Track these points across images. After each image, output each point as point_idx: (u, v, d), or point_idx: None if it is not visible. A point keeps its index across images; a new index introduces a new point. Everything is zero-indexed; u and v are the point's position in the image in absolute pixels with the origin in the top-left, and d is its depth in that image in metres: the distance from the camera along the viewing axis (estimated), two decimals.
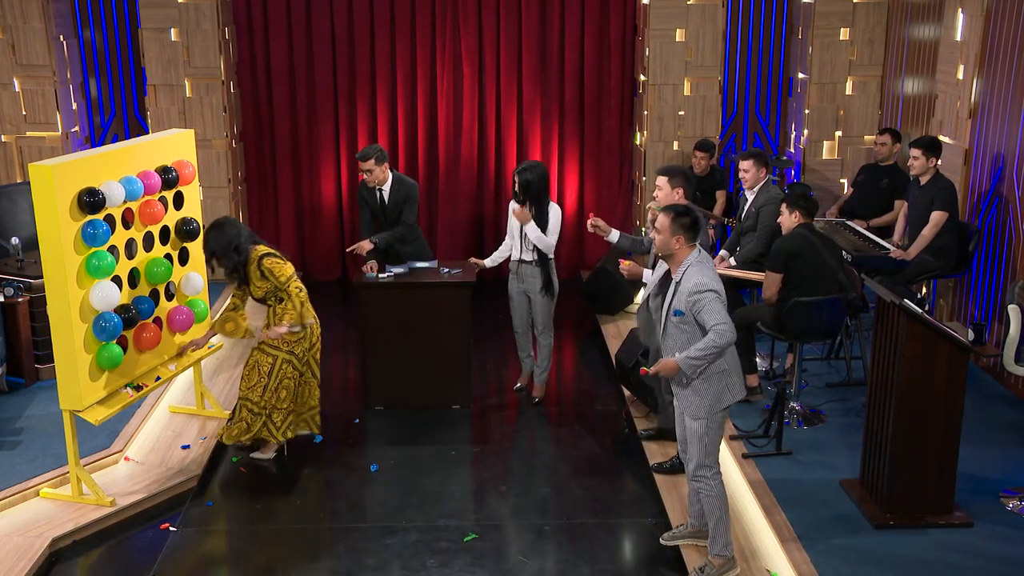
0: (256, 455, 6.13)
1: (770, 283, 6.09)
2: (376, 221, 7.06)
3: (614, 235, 5.86)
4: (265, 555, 5.21)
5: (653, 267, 5.61)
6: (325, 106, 9.40)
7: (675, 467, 5.55)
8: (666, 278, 4.67)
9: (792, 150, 9.49)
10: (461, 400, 6.86)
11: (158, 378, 5.86)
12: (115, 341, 5.43)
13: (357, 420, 6.73)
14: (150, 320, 5.77)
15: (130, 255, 5.64)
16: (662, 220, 4.50)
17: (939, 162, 6.88)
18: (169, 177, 5.89)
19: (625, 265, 5.43)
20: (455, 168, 9.56)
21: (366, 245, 6.86)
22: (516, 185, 6.42)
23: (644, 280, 5.45)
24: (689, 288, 4.42)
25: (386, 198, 6.96)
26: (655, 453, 5.90)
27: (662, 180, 5.75)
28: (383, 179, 6.90)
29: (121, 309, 5.44)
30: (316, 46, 9.25)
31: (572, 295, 9.36)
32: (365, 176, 6.88)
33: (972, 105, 7.18)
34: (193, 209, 6.20)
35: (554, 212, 6.49)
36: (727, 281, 6.48)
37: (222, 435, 5.99)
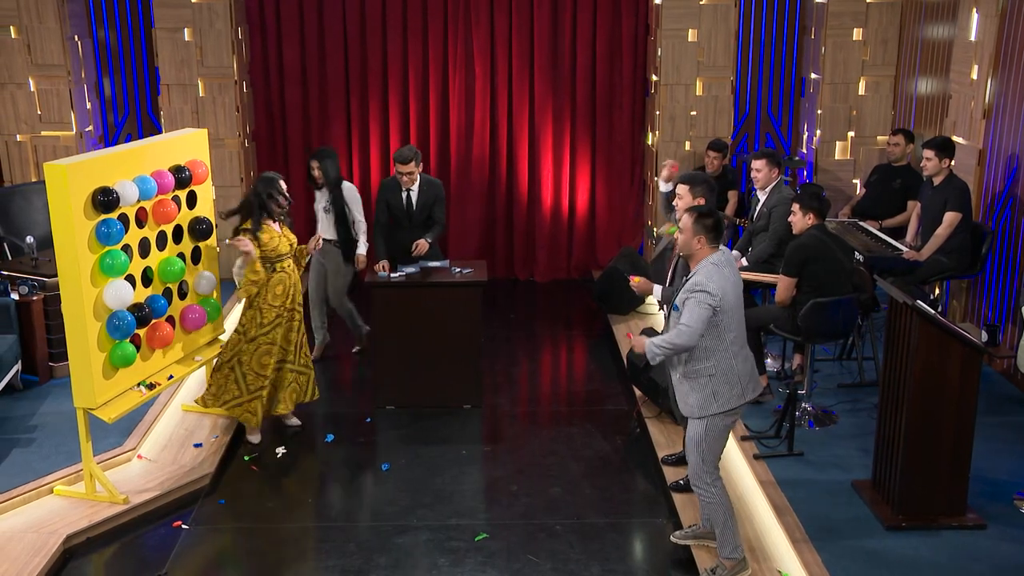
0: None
1: (784, 287, 6.07)
2: (393, 221, 7.07)
3: (656, 291, 5.50)
4: (276, 553, 5.23)
5: (670, 282, 5.59)
6: (337, 106, 9.42)
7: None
8: (682, 271, 4.74)
9: (804, 150, 9.46)
10: (472, 399, 6.87)
11: (171, 376, 5.89)
12: (128, 339, 5.46)
13: (368, 419, 6.74)
14: (163, 319, 5.80)
15: (143, 254, 5.67)
16: (685, 220, 4.60)
17: (952, 163, 6.86)
18: (182, 176, 5.91)
19: (635, 281, 5.40)
20: (467, 168, 9.57)
21: (424, 244, 6.96)
22: (315, 171, 7.08)
23: (656, 297, 5.44)
24: (688, 286, 4.52)
25: (414, 198, 7.00)
26: (672, 470, 5.85)
27: (683, 188, 5.65)
28: (416, 180, 6.98)
29: (134, 308, 5.47)
30: (328, 46, 9.28)
31: (583, 295, 9.37)
32: (404, 178, 6.92)
33: (986, 105, 7.15)
34: (206, 208, 6.23)
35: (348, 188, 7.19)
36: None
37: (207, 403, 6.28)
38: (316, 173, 7.10)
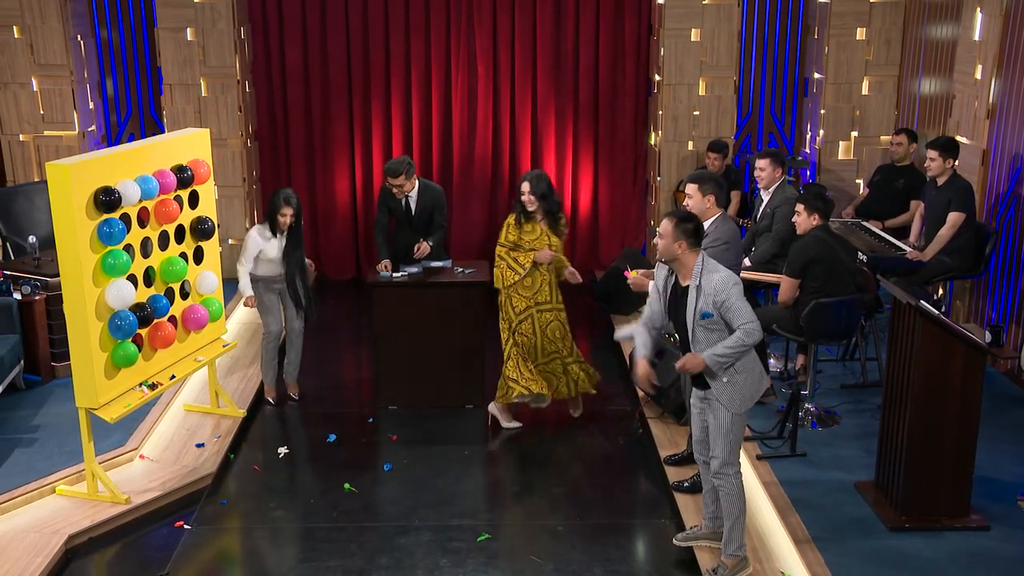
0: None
1: (787, 287, 6.05)
2: (394, 224, 7.07)
3: (652, 286, 5.22)
4: (278, 553, 5.23)
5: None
6: (339, 106, 9.42)
7: (695, 486, 5.48)
8: (675, 289, 4.67)
9: (808, 150, 9.45)
10: (474, 400, 6.86)
11: (173, 376, 5.89)
12: (130, 339, 5.45)
13: (371, 419, 6.74)
14: (165, 319, 5.80)
15: (145, 254, 5.66)
16: (665, 225, 4.56)
17: (956, 163, 6.84)
18: (184, 176, 5.91)
19: (632, 275, 5.39)
20: (469, 168, 9.56)
21: (425, 247, 6.90)
22: (288, 217, 6.46)
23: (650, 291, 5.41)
24: (713, 288, 4.45)
25: (413, 205, 6.99)
26: (674, 471, 5.83)
27: (692, 188, 5.59)
28: (411, 188, 6.96)
29: (136, 307, 5.46)
30: (331, 46, 9.28)
31: (585, 296, 9.35)
32: (395, 190, 6.90)
33: (990, 105, 7.13)
34: (208, 208, 6.22)
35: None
36: (743, 283, 6.44)
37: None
38: (290, 220, 6.46)
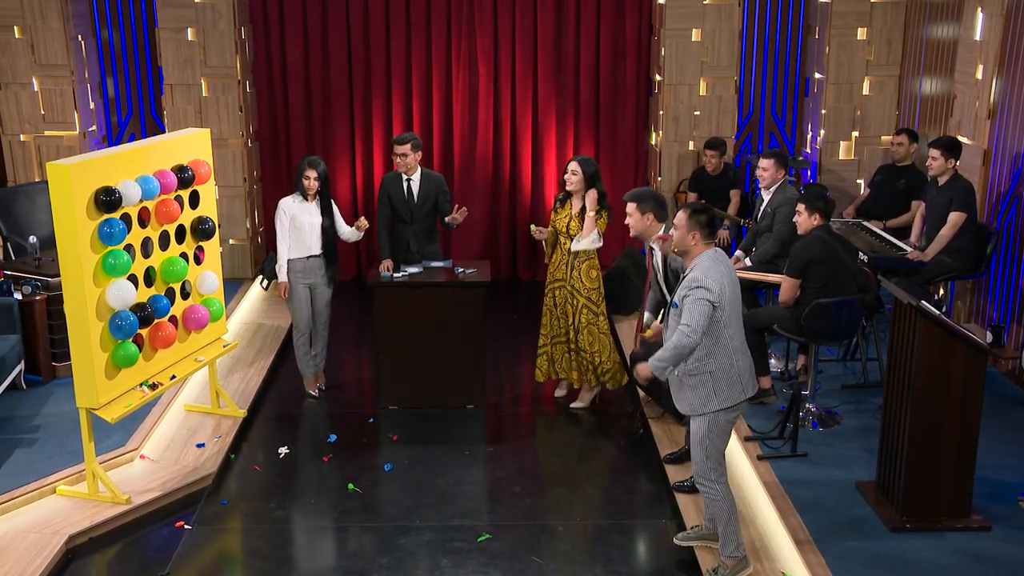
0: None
1: (788, 288, 6.05)
2: (395, 216, 7.05)
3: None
4: (279, 554, 5.23)
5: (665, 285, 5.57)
6: (340, 106, 9.42)
7: (696, 486, 5.48)
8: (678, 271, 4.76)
9: (808, 150, 9.44)
10: (475, 400, 6.86)
11: (173, 376, 5.89)
12: (131, 339, 5.45)
13: (371, 419, 6.74)
14: (165, 319, 5.80)
15: (146, 254, 5.66)
16: (680, 217, 4.61)
17: (958, 163, 6.83)
18: (185, 176, 5.91)
19: (648, 334, 5.37)
20: (470, 168, 9.57)
21: (464, 210, 6.97)
22: (313, 180, 6.57)
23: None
24: (686, 283, 4.52)
25: (415, 190, 7.00)
26: (674, 470, 5.84)
27: (631, 207, 5.62)
28: (414, 167, 6.96)
29: (137, 308, 5.46)
30: (332, 46, 9.28)
31: None
32: (398, 160, 6.91)
33: (991, 105, 7.13)
34: (209, 208, 6.22)
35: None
36: (744, 283, 6.45)
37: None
38: (315, 183, 6.55)
